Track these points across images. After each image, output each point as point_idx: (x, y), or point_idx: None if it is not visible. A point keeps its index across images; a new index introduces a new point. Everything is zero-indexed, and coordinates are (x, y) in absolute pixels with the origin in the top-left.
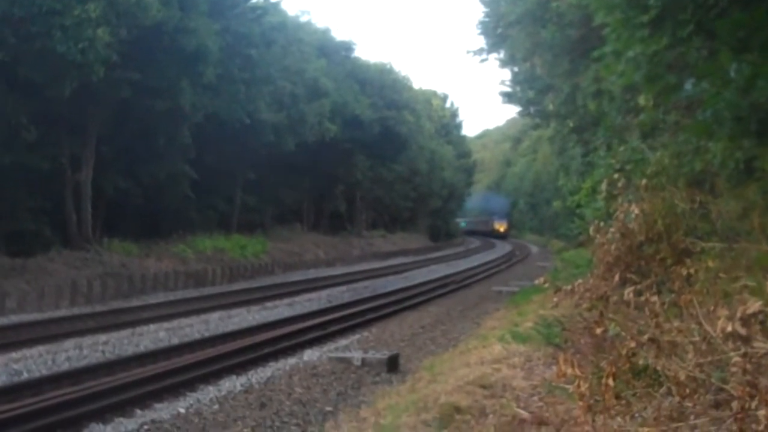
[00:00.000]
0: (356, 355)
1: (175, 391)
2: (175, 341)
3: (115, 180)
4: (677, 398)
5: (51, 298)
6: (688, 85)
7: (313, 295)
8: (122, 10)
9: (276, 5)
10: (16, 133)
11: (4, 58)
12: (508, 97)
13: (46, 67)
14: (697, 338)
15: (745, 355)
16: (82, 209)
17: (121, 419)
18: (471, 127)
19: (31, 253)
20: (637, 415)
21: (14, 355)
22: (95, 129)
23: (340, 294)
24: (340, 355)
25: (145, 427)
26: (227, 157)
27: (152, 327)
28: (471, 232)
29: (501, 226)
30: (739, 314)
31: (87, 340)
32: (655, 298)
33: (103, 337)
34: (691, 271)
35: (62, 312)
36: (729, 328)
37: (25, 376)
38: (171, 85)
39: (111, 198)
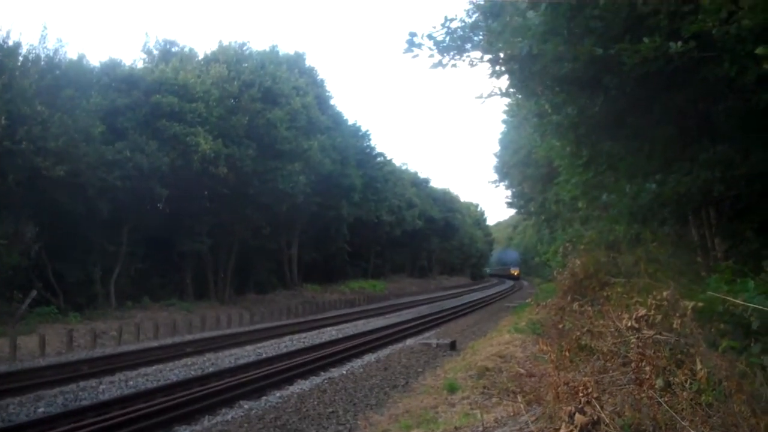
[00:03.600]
0: (433, 341)
1: (339, 363)
2: (340, 336)
3: (308, 252)
4: (602, 361)
5: (276, 316)
6: (604, 197)
7: (411, 310)
8: (311, 166)
9: (390, 161)
10: (259, 230)
11: (253, 193)
12: (510, 204)
13: (274, 196)
14: (612, 329)
15: (638, 338)
16: (292, 268)
17: (314, 377)
18: (491, 219)
19: (267, 292)
20: (581, 371)
21: (258, 345)
22: (298, 227)
23: (424, 309)
24: (425, 341)
25: (326, 381)
26: (366, 239)
27: (328, 329)
28: (494, 275)
29: (515, 271)
30: (633, 316)
31: (296, 337)
32: (589, 308)
33: (303, 335)
34: (608, 293)
35: (282, 322)
36: (629, 324)
37: (264, 355)
38: (336, 203)
39: (307, 262)
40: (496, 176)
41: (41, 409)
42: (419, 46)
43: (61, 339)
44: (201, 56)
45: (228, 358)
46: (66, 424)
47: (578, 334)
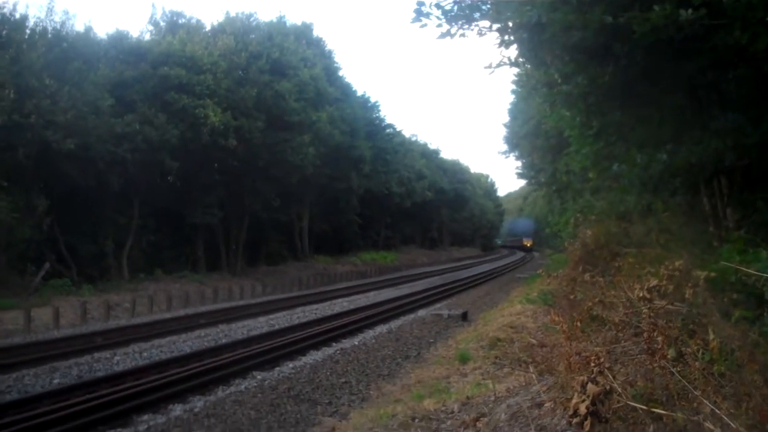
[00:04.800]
0: (445, 312)
1: (351, 334)
2: (352, 307)
3: (319, 224)
4: (614, 332)
5: (288, 287)
6: (615, 167)
7: (422, 281)
8: (321, 138)
9: (400, 132)
10: (269, 203)
11: (263, 165)
12: (520, 175)
13: (283, 168)
14: (624, 300)
15: (650, 308)
16: (303, 240)
17: (326, 348)
18: (501, 190)
19: (278, 263)
20: (593, 341)
21: (271, 316)
22: (308, 199)
23: (435, 280)
24: (437, 312)
25: (338, 352)
26: (376, 211)
27: (340, 300)
28: (505, 246)
29: (528, 242)
30: (645, 287)
31: (308, 308)
32: (600, 279)
33: (315, 306)
34: (620, 264)
35: (294, 293)
36: (640, 294)
37: (276, 327)
38: (346, 175)
39: (317, 234)
40: (506, 147)
41: (56, 381)
42: (427, 15)
43: (74, 311)
44: (208, 28)
45: (241, 329)
46: (81, 395)
47: (590, 304)
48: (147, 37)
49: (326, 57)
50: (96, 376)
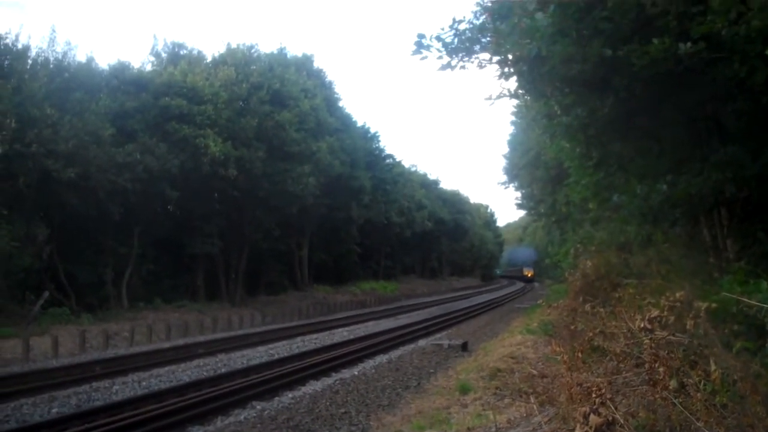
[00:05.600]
0: (445, 342)
1: (351, 363)
2: (351, 337)
3: (319, 254)
4: (615, 362)
5: (287, 317)
6: (615, 198)
7: (421, 311)
8: (321, 168)
9: (399, 162)
10: (269, 232)
11: (263, 195)
12: (520, 206)
13: (284, 198)
14: (625, 330)
15: (651, 339)
16: (302, 270)
17: (326, 378)
18: (501, 220)
19: (278, 293)
20: (594, 372)
21: (270, 346)
22: (309, 228)
23: (435, 310)
24: (437, 342)
25: (338, 382)
26: (375, 241)
27: (339, 330)
28: (505, 277)
29: (529, 273)
30: (646, 317)
31: (307, 338)
32: (601, 309)
33: (314, 336)
34: (620, 294)
35: (294, 323)
36: (642, 325)
37: (276, 357)
38: (346, 205)
39: (317, 263)
40: (505, 177)
41: (55, 410)
42: (428, 47)
43: (73, 340)
44: (209, 59)
45: (240, 358)
46: (79, 424)
47: (591, 335)
48: (148, 67)
49: (326, 88)
50: (94, 406)
